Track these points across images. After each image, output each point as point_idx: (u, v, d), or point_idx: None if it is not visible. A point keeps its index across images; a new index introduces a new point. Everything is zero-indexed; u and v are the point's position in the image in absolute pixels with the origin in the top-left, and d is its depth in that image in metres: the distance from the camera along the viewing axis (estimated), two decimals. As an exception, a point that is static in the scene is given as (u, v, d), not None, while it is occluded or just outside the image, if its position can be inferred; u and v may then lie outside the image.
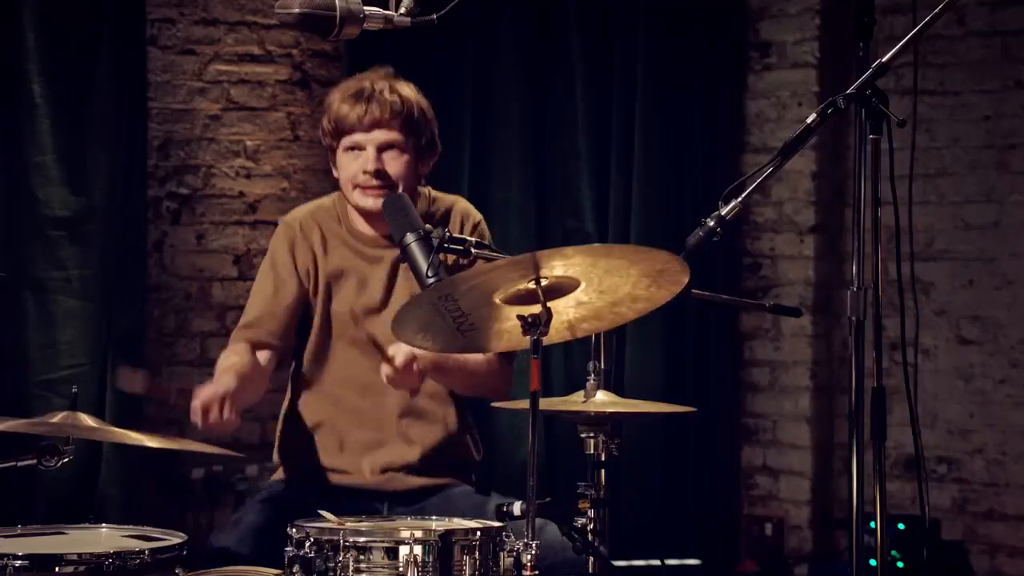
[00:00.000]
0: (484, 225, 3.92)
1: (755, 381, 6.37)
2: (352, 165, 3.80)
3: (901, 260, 3.06)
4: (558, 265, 3.05)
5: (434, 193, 3.92)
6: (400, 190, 3.74)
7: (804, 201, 6.27)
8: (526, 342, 3.06)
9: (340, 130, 3.80)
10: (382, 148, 3.78)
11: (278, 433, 3.97)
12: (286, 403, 3.96)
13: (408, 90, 3.83)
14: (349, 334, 3.84)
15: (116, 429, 3.39)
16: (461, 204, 3.93)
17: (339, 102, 3.81)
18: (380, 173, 3.77)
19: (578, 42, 6.07)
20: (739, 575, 6.09)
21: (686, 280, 3.12)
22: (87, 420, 3.24)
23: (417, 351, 3.55)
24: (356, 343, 3.83)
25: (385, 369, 3.59)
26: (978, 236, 5.99)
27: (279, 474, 3.95)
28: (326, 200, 3.98)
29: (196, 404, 3.49)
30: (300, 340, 3.89)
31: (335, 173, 3.90)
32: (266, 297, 3.86)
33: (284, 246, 3.89)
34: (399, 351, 3.57)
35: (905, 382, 3.16)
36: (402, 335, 3.22)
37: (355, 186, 3.80)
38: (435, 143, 3.88)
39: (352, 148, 3.80)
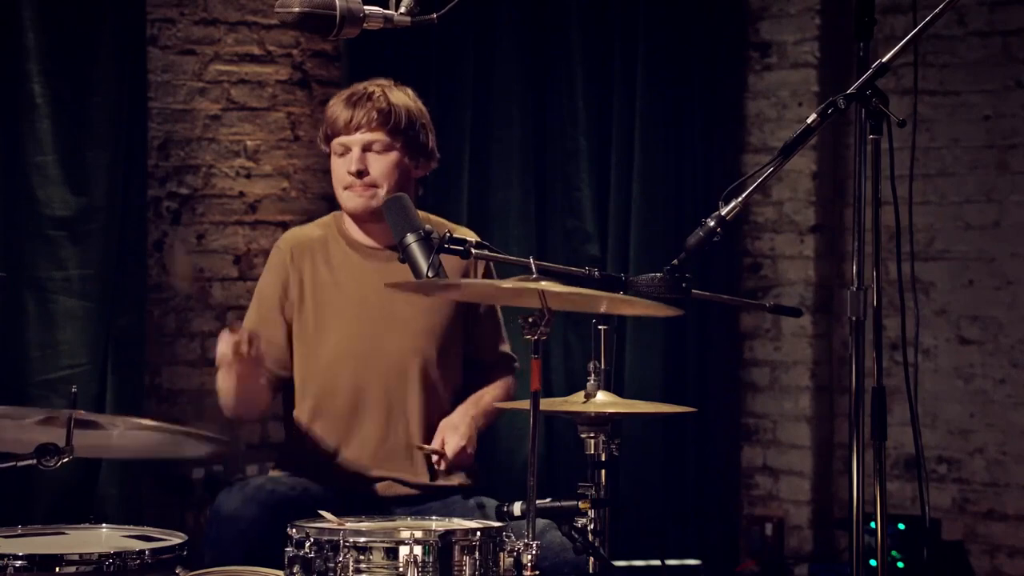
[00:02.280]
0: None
1: (755, 381, 6.36)
2: (340, 167, 3.83)
3: (901, 260, 3.06)
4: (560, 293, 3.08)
5: (434, 218, 3.87)
6: (385, 190, 3.76)
7: (804, 201, 6.27)
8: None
9: (330, 134, 3.83)
10: (365, 148, 3.80)
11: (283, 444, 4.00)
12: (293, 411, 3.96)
13: (400, 95, 3.85)
14: (352, 357, 3.84)
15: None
16: (462, 230, 3.92)
17: (333, 107, 3.84)
18: (362, 173, 3.78)
19: (578, 42, 6.06)
20: (739, 575, 6.09)
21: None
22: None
23: (458, 432, 3.70)
24: (360, 364, 3.84)
25: (439, 467, 3.73)
26: (978, 236, 5.98)
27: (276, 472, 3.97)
28: (326, 217, 4.00)
29: (225, 343, 3.54)
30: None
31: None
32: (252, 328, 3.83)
33: (273, 279, 3.88)
34: (446, 450, 3.70)
35: (905, 382, 3.16)
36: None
37: (344, 188, 3.82)
38: (430, 149, 3.87)
39: (340, 151, 3.82)
